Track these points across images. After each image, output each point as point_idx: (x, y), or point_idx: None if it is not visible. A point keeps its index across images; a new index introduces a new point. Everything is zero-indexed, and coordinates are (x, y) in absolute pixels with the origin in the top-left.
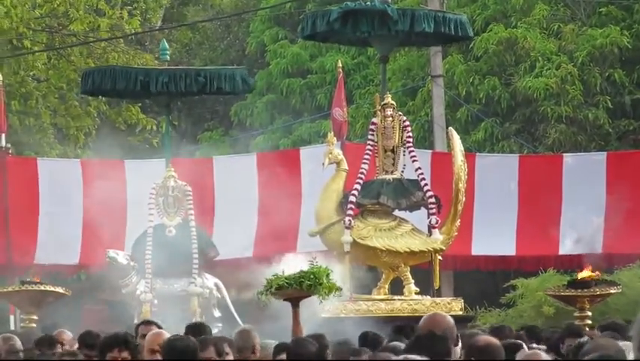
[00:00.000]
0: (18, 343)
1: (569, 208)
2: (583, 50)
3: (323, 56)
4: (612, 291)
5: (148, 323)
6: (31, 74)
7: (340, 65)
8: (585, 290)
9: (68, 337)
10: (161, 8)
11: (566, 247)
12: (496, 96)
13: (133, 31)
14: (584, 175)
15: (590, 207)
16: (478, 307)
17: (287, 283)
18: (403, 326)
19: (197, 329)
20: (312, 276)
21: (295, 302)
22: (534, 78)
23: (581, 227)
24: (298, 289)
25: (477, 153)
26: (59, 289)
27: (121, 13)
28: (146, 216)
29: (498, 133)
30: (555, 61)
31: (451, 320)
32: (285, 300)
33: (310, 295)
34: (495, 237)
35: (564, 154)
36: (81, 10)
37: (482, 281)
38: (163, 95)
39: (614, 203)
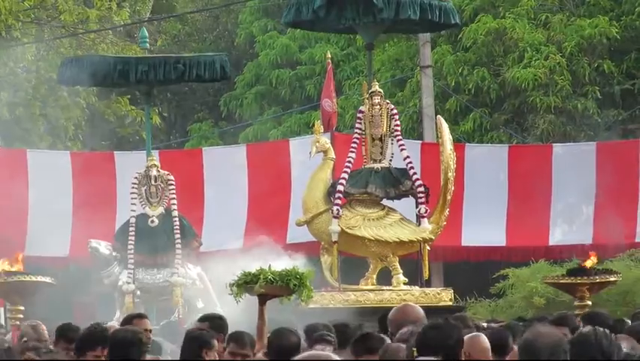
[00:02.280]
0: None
1: (559, 198)
2: (571, 40)
3: (312, 47)
4: (612, 279)
5: (140, 316)
6: (21, 65)
7: (329, 56)
8: (584, 278)
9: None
10: (150, 0)
11: (556, 237)
12: (485, 87)
13: (122, 23)
14: (574, 165)
15: (580, 197)
16: (468, 297)
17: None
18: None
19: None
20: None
21: (264, 299)
22: (523, 69)
23: (571, 217)
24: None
25: (466, 144)
26: (46, 279)
27: (110, 4)
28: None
29: (487, 123)
30: (544, 51)
31: (422, 311)
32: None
33: (287, 296)
34: (485, 227)
35: (553, 144)
36: (70, 1)
37: (472, 272)
38: (143, 84)
39: (603, 193)
